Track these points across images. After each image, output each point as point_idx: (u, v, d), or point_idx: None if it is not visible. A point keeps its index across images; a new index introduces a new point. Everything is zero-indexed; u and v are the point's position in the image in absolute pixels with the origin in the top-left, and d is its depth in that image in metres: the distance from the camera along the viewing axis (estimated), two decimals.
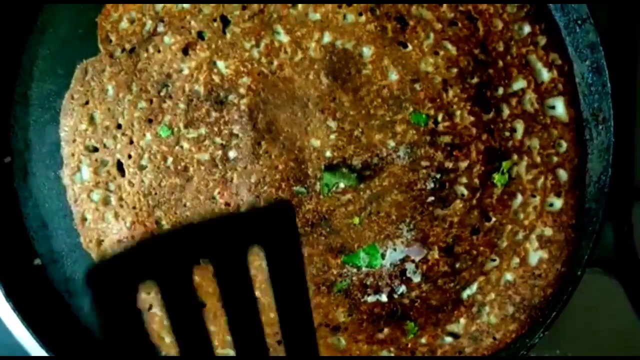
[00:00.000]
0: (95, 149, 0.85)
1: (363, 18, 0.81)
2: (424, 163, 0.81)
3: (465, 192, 0.81)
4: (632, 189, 0.98)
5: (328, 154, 0.81)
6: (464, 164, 0.81)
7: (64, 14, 0.86)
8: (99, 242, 0.85)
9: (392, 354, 0.85)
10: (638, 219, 0.98)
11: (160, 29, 0.83)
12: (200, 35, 0.82)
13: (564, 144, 0.82)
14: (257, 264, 0.83)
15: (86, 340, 0.88)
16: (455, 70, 0.80)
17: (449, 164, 0.81)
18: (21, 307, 0.84)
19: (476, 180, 0.81)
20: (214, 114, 0.82)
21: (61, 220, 0.87)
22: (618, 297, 0.99)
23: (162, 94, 0.83)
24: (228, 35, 0.82)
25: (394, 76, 0.81)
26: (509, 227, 0.82)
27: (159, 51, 0.83)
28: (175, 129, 0.83)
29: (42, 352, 0.83)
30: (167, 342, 0.86)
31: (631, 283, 0.98)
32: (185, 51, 0.82)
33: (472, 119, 0.81)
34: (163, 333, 0.86)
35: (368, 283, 0.83)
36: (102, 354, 0.87)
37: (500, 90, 0.81)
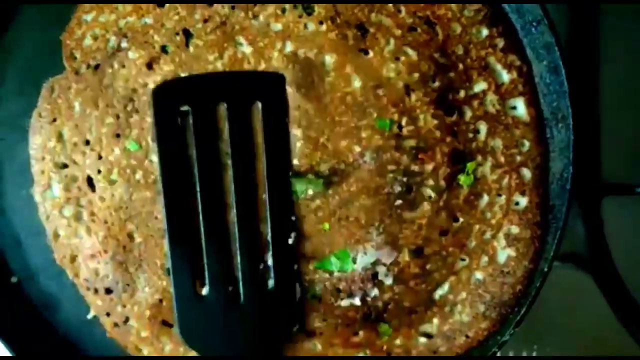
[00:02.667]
0: (65, 166, 0.86)
1: (324, 27, 0.82)
2: (390, 167, 0.82)
3: (432, 194, 0.83)
4: (600, 184, 1.00)
5: (295, 161, 0.82)
6: (429, 167, 0.82)
7: (29, 33, 0.87)
8: (73, 258, 0.86)
9: (368, 357, 0.86)
10: (609, 214, 1.00)
11: (124, 44, 0.84)
12: (163, 49, 0.83)
13: (527, 143, 0.84)
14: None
15: (64, 352, 0.89)
16: (416, 74, 0.82)
17: (415, 167, 0.82)
18: None
19: (442, 182, 0.83)
20: None
21: (34, 237, 0.88)
22: (592, 292, 1.01)
23: (128, 108, 0.84)
24: (191, 49, 0.83)
25: (356, 83, 0.82)
26: (477, 226, 0.84)
27: (123, 66, 0.84)
28: (143, 143, 0.83)
29: None
30: (145, 354, 0.87)
31: (603, 277, 1.00)
32: (149, 66, 0.83)
33: (435, 122, 0.82)
34: (141, 345, 0.87)
35: (341, 287, 0.84)
36: None
37: (462, 93, 0.83)
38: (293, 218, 0.82)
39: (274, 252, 0.82)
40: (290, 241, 0.82)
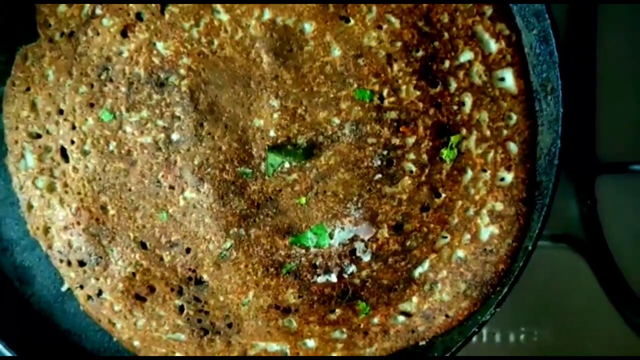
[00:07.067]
0: (39, 136, 0.84)
1: None
2: (371, 140, 0.79)
3: (414, 168, 0.80)
4: (594, 164, 0.96)
5: (272, 133, 0.80)
6: (411, 140, 0.79)
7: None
8: (46, 229, 0.85)
9: (345, 335, 0.83)
10: (602, 194, 0.97)
11: (99, 11, 0.81)
12: (138, 16, 0.81)
13: (514, 117, 0.80)
14: (204, 247, 0.82)
15: (37, 326, 0.88)
16: (399, 43, 0.78)
17: (396, 141, 0.79)
18: None
19: (424, 156, 0.79)
20: (155, 97, 0.81)
21: (8, 209, 0.87)
22: (585, 273, 0.98)
23: (102, 77, 0.81)
24: (167, 16, 0.80)
25: (336, 52, 0.79)
26: (460, 203, 0.81)
27: (98, 34, 0.81)
28: (117, 113, 0.81)
29: None
30: (118, 328, 0.86)
31: (596, 259, 0.97)
32: (124, 33, 0.81)
33: (418, 93, 0.79)
34: (114, 319, 0.85)
35: (317, 263, 0.81)
36: (53, 338, 0.87)
37: (447, 63, 0.79)
38: None
39: None
40: None
